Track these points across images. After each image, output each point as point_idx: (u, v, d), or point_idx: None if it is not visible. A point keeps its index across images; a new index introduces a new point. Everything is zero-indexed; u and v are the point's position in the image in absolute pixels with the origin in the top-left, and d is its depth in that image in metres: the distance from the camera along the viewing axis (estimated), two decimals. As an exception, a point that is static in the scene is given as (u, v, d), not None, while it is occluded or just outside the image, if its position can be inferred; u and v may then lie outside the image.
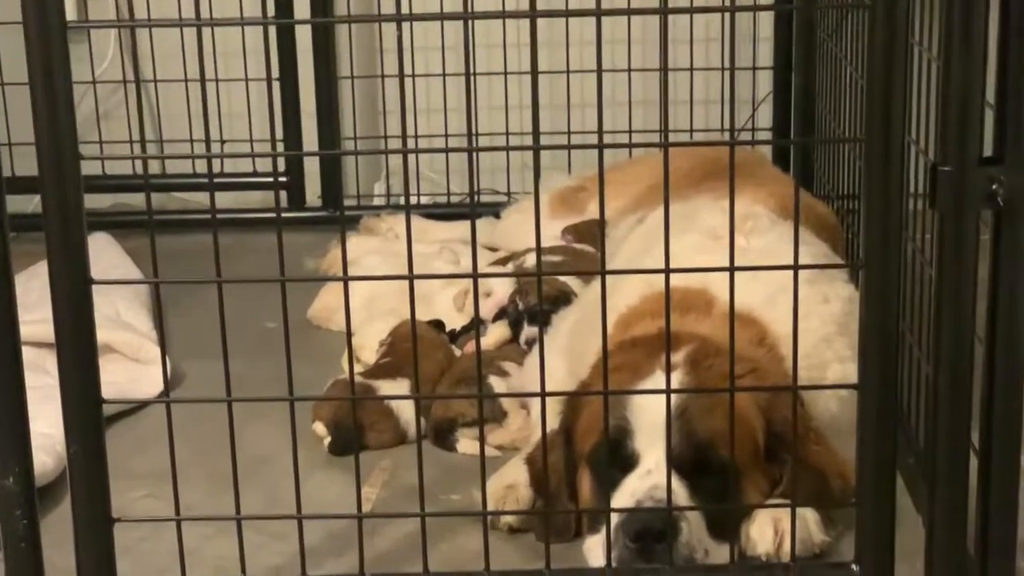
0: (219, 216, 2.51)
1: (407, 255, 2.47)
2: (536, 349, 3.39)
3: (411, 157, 4.83)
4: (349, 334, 2.61)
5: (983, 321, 2.40)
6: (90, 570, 2.51)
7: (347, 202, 5.22)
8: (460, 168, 5.08)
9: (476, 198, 4.99)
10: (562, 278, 3.88)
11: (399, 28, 2.38)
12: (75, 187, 2.35)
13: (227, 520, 2.57)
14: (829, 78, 4.37)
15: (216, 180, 2.51)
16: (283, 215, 4.75)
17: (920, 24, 2.94)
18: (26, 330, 2.53)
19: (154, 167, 5.24)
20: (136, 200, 5.19)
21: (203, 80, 2.38)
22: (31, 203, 4.85)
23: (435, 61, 5.07)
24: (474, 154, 2.46)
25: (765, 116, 5.16)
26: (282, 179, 5.09)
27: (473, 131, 2.48)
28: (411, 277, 2.46)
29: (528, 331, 3.79)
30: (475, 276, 2.60)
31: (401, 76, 2.41)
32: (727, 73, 2.23)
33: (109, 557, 2.52)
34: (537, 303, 3.57)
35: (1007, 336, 2.39)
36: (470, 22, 2.37)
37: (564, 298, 3.79)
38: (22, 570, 2.50)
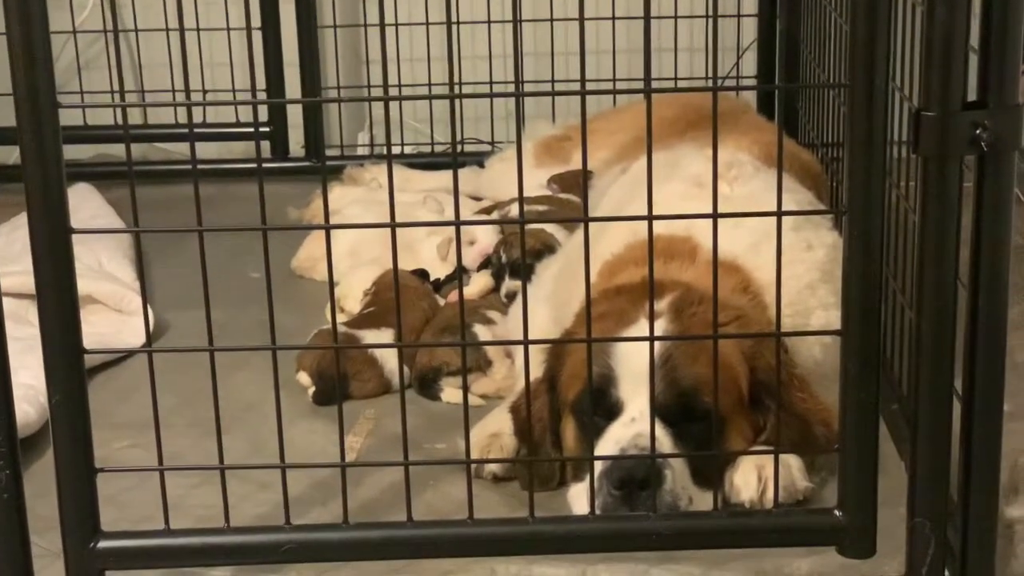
0: (202, 166, 2.49)
1: (389, 204, 2.46)
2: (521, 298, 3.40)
3: (394, 106, 4.81)
4: (332, 283, 2.60)
5: (967, 267, 2.40)
6: (73, 520, 2.51)
7: (331, 152, 5.21)
8: (444, 118, 5.06)
9: (461, 147, 4.97)
10: (547, 229, 3.88)
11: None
12: (54, 136, 2.33)
13: (211, 469, 2.57)
14: (814, 25, 4.35)
15: (198, 130, 2.50)
16: (266, 165, 4.70)
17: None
18: (8, 281, 2.53)
19: (136, 117, 5.22)
20: (118, 151, 5.15)
21: (182, 29, 2.36)
22: (12, 155, 4.86)
23: (418, 10, 5.04)
24: (457, 101, 2.44)
25: (750, 64, 5.15)
26: (265, 129, 5.07)
27: (456, 79, 2.46)
28: (393, 225, 2.45)
29: (509, 284, 3.79)
30: (457, 224, 2.59)
31: (382, 24, 2.40)
32: (711, 20, 2.22)
33: (92, 507, 2.52)
34: (519, 255, 3.57)
35: (990, 282, 2.39)
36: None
37: (548, 251, 3.79)
38: (5, 521, 2.50)
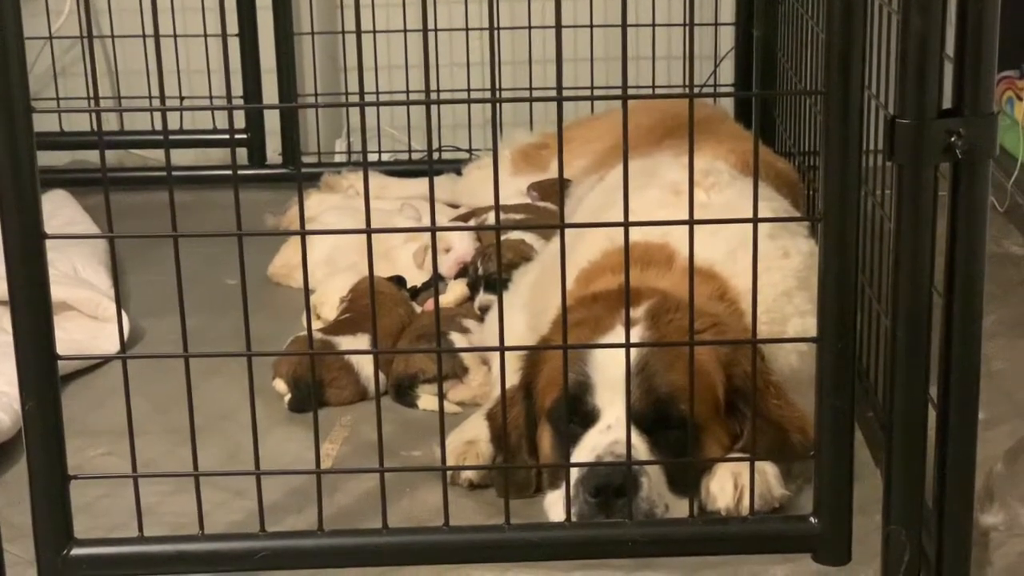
0: (178, 173, 2.49)
1: (365, 210, 2.45)
2: (495, 307, 3.40)
3: (371, 113, 4.79)
4: (307, 289, 2.59)
5: (942, 275, 2.41)
6: (46, 528, 2.50)
7: (308, 159, 5.19)
8: (421, 125, 4.96)
9: (439, 155, 4.97)
10: (526, 240, 3.87)
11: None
12: (27, 141, 2.33)
13: (185, 477, 2.56)
14: (791, 33, 4.36)
15: (175, 137, 2.49)
16: (243, 172, 4.76)
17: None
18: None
19: (112, 123, 5.20)
20: (94, 157, 5.10)
21: (157, 35, 2.35)
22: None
23: (396, 17, 5.03)
24: (434, 107, 2.44)
25: (728, 73, 5.15)
26: (242, 136, 5.06)
27: (433, 86, 2.46)
28: (369, 231, 2.45)
29: (483, 298, 3.78)
30: (433, 230, 2.58)
31: (359, 31, 2.39)
32: (688, 28, 2.23)
33: (65, 514, 2.51)
34: (495, 270, 3.58)
35: (965, 289, 2.39)
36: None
37: (526, 263, 3.78)
38: (-22, 528, 2.49)
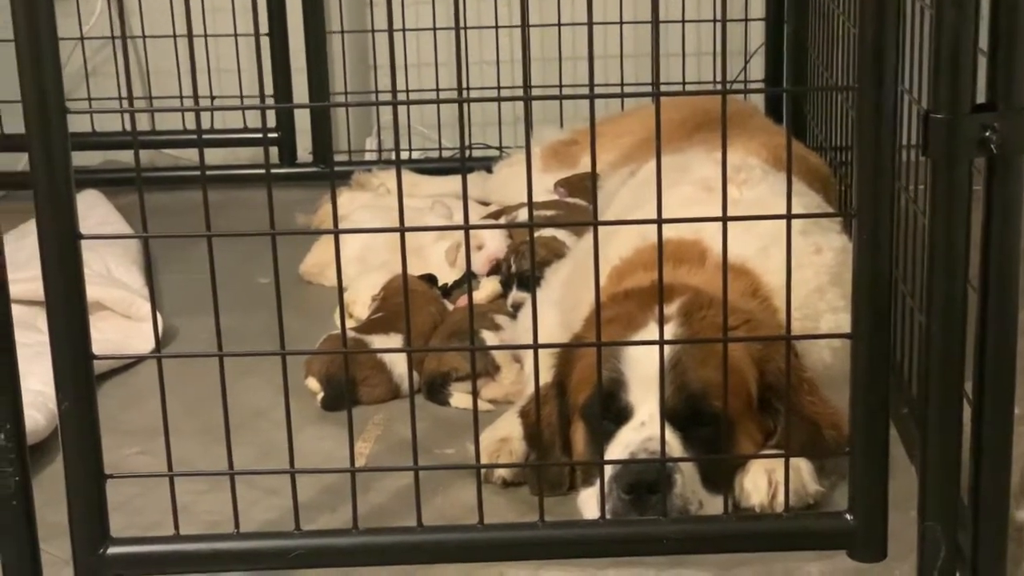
0: (209, 172, 2.50)
1: (398, 208, 2.46)
2: (528, 304, 3.40)
3: (402, 111, 4.80)
4: (340, 287, 2.59)
5: (977, 269, 2.40)
6: (82, 526, 2.51)
7: (339, 158, 5.20)
8: (451, 122, 5.06)
9: (469, 152, 4.98)
10: (558, 236, 3.87)
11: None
12: (62, 142, 2.33)
13: (220, 475, 2.57)
14: (821, 28, 4.35)
15: (206, 136, 2.49)
16: (274, 171, 4.77)
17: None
18: (16, 288, 2.52)
19: (144, 123, 5.22)
20: (126, 157, 5.17)
21: (190, 35, 2.36)
22: (20, 161, 4.87)
23: (426, 15, 5.04)
24: (465, 105, 2.44)
25: (758, 69, 5.14)
26: (273, 135, 5.06)
27: (464, 84, 2.46)
28: (402, 230, 2.45)
29: (516, 295, 3.78)
30: (466, 228, 2.58)
31: (390, 29, 2.39)
32: (719, 24, 2.24)
33: (102, 513, 2.52)
34: (528, 267, 3.58)
35: (1000, 284, 2.38)
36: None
37: (558, 259, 3.78)
38: (14, 527, 2.50)
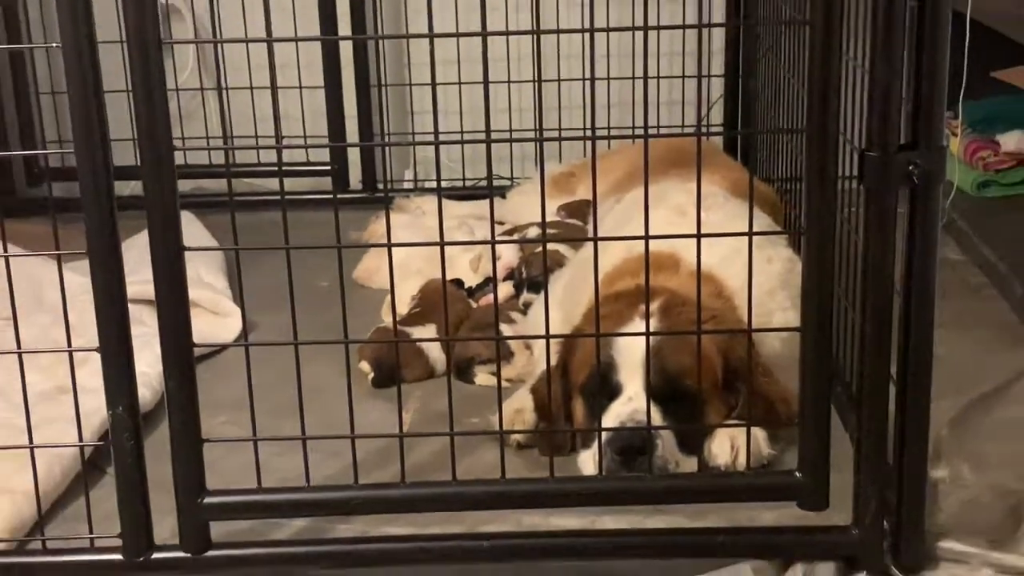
0: (272, 197, 2.50)
1: (438, 227, 2.47)
2: (536, 303, 3.41)
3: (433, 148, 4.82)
4: (392, 289, 2.60)
5: (901, 277, 2.40)
6: (185, 480, 2.51)
7: (381, 187, 5.19)
8: (471, 158, 5.05)
9: (489, 182, 4.94)
10: (559, 249, 3.88)
11: (431, 43, 2.36)
12: (170, 172, 2.34)
13: (294, 440, 2.56)
14: (770, 82, 4.34)
15: (273, 168, 2.48)
16: (329, 196, 4.78)
17: (845, 37, 2.91)
18: (128, 290, 2.52)
19: (219, 157, 5.21)
20: (211, 184, 5.14)
21: (274, 88, 2.37)
22: (127, 187, 4.86)
23: (451, 72, 5.02)
24: (490, 144, 2.45)
25: (718, 115, 5.14)
26: (329, 167, 5.06)
27: (489, 127, 2.47)
28: (442, 244, 2.46)
29: (526, 296, 3.79)
30: (493, 243, 2.59)
31: (433, 83, 2.41)
32: (693, 80, 2.25)
33: (199, 470, 2.52)
34: (536, 274, 3.60)
35: (920, 289, 2.39)
36: (486, 39, 2.37)
37: (559, 268, 3.78)
38: (130, 481, 2.50)
